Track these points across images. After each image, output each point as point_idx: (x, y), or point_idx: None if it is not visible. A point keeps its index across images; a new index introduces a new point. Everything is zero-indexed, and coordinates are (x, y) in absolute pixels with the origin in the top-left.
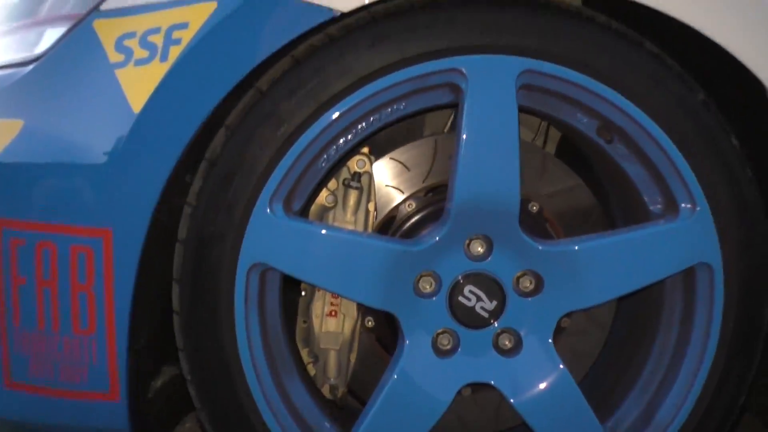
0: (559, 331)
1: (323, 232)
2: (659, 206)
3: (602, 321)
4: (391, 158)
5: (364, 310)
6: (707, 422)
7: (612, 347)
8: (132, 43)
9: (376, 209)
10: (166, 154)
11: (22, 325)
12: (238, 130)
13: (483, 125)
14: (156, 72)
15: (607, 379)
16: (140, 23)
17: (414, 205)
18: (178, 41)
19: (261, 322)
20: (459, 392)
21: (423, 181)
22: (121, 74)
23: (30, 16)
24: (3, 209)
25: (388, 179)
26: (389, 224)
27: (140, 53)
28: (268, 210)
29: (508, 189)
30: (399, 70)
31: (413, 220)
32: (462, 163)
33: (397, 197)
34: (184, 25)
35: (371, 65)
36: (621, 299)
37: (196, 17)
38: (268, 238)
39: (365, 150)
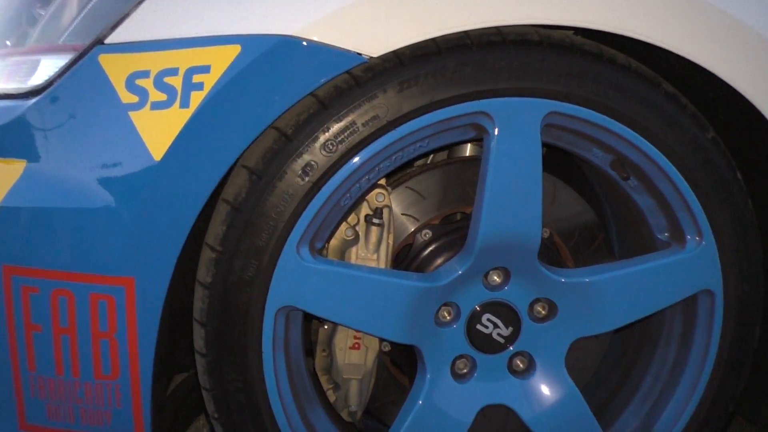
0: None
1: (349, 273)
2: (666, 234)
3: (602, 335)
4: (406, 187)
5: None
6: (702, 431)
7: (611, 360)
8: (146, 84)
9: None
10: (190, 203)
11: (39, 371)
12: (264, 175)
13: (508, 166)
14: (177, 118)
15: (606, 390)
16: (154, 62)
17: (430, 234)
18: (199, 86)
19: (286, 359)
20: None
21: (438, 209)
22: (136, 117)
23: (13, 42)
24: (9, 256)
25: (404, 208)
26: (405, 253)
27: (157, 96)
28: (296, 254)
29: (531, 227)
30: (426, 113)
31: (429, 249)
32: (487, 204)
33: (413, 226)
34: (205, 69)
35: (399, 110)
36: None
37: (219, 61)
38: (295, 282)
39: (382, 182)
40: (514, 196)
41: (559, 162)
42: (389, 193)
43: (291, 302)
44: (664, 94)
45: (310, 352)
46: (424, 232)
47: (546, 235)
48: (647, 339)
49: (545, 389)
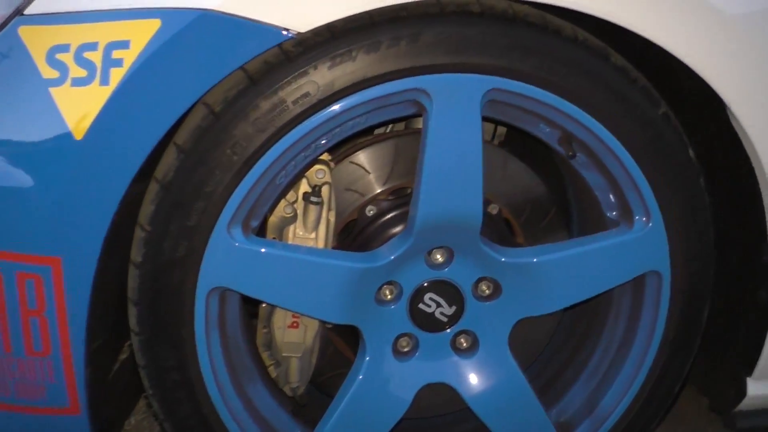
0: None
1: (282, 254)
2: (615, 213)
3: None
4: (351, 162)
5: None
6: (646, 410)
7: (562, 335)
8: (66, 58)
9: (335, 212)
10: (115, 183)
11: None
12: (192, 154)
13: (447, 145)
14: (97, 96)
15: (556, 365)
16: (74, 35)
17: (374, 210)
18: (119, 63)
19: (222, 337)
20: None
21: (384, 184)
22: (57, 93)
23: None
24: None
25: (348, 183)
26: (350, 229)
27: (77, 71)
28: (227, 234)
29: (471, 206)
30: (360, 91)
31: (374, 225)
32: (425, 183)
33: (357, 202)
34: (124, 44)
35: (331, 87)
36: None
37: (138, 36)
38: (227, 262)
39: (324, 157)
40: (453, 175)
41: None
42: (330, 169)
43: (223, 283)
44: (613, 68)
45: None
46: (368, 208)
47: (494, 211)
48: (597, 316)
49: (487, 369)
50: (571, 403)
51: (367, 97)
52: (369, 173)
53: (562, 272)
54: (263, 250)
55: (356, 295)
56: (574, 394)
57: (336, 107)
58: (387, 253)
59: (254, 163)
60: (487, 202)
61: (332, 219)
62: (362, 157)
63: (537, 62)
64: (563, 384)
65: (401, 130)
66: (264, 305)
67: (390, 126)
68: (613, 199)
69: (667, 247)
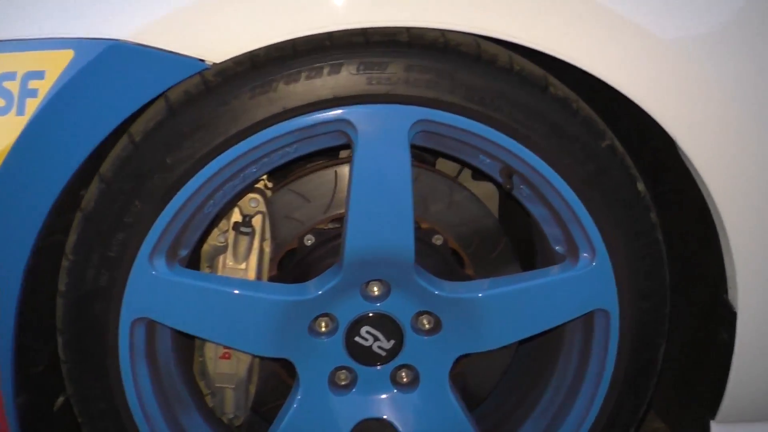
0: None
1: (206, 286)
2: (561, 248)
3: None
4: (289, 189)
5: None
6: None
7: (514, 373)
8: None
9: (273, 244)
10: (32, 214)
11: None
12: (112, 184)
13: (374, 177)
14: (13, 126)
15: (506, 405)
16: None
17: (313, 239)
18: (34, 93)
19: (151, 367)
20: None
21: (324, 213)
22: None
23: None
24: None
25: (288, 211)
26: (290, 258)
27: None
28: (149, 265)
29: (402, 239)
30: (282, 121)
31: (313, 255)
32: (352, 215)
33: (297, 230)
34: (40, 75)
35: (251, 118)
36: None
37: (53, 66)
38: (149, 293)
39: (261, 185)
40: (380, 208)
41: None
42: (266, 198)
43: (146, 314)
44: (551, 99)
45: None
46: (306, 237)
47: (439, 242)
48: (549, 354)
49: (427, 405)
50: None
51: (290, 128)
52: (309, 201)
53: (503, 308)
54: (186, 282)
55: (287, 329)
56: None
57: (257, 138)
58: (317, 286)
59: (174, 194)
60: (431, 233)
61: (267, 249)
62: (302, 185)
63: (468, 93)
64: (513, 423)
65: (342, 158)
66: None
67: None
68: (559, 234)
69: (614, 285)
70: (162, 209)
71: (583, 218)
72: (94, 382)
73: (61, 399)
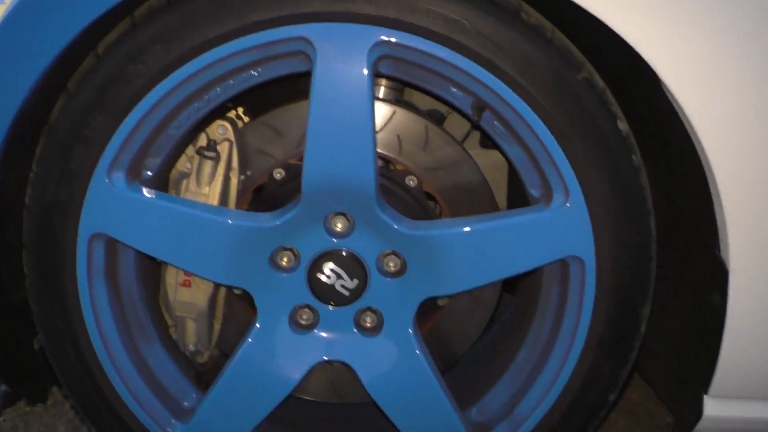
0: (436, 309)
1: (164, 204)
2: (537, 191)
3: (486, 301)
4: (263, 122)
5: None
6: (571, 417)
7: (492, 330)
8: None
9: (244, 176)
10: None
11: None
12: (75, 96)
13: (332, 101)
14: None
15: (482, 362)
16: None
17: (283, 173)
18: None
19: (111, 290)
20: (330, 362)
21: (297, 147)
22: None
23: None
24: None
25: (261, 144)
26: (260, 191)
27: None
28: (107, 180)
29: (362, 169)
30: (239, 37)
31: (283, 189)
32: (311, 140)
33: (268, 164)
34: None
35: (209, 33)
36: (506, 283)
37: None
38: (107, 209)
39: (233, 113)
40: (338, 134)
41: None
42: (235, 129)
43: (103, 230)
44: (523, 26)
45: None
46: (277, 171)
47: (412, 184)
48: (526, 309)
49: (390, 351)
50: (492, 402)
51: (247, 44)
52: (281, 136)
53: (470, 248)
54: (144, 199)
55: (245, 257)
56: (496, 393)
57: (214, 54)
58: (278, 216)
59: (132, 107)
60: (405, 173)
61: (234, 179)
62: (275, 118)
63: (431, 15)
64: (488, 381)
65: None
66: (166, 270)
67: None
68: (536, 177)
69: (590, 232)
70: (120, 122)
71: (556, 156)
72: (53, 299)
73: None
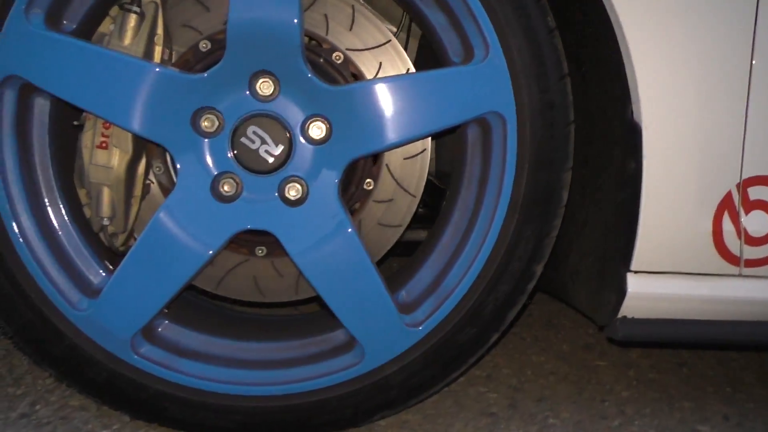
0: (363, 195)
1: (82, 44)
2: (458, 57)
3: (412, 188)
4: None
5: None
6: (497, 288)
7: (420, 217)
8: None
9: (168, 45)
10: None
11: None
12: None
13: None
14: None
15: (412, 248)
16: None
17: (210, 45)
18: None
19: (21, 145)
20: (253, 253)
21: (223, 23)
22: None
23: None
24: None
25: (186, 19)
26: (185, 66)
27: None
28: (24, 18)
29: (286, 14)
30: None
31: (208, 59)
32: None
33: (194, 38)
34: None
35: None
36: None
37: None
38: (22, 48)
39: None
40: None
41: None
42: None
43: (18, 71)
44: None
45: None
46: (203, 42)
47: (339, 60)
48: (452, 185)
49: (315, 219)
50: (419, 283)
51: None
52: (208, 11)
53: (394, 102)
54: (62, 38)
55: (166, 109)
56: (423, 273)
57: None
58: (203, 71)
59: None
60: (331, 50)
61: (158, 43)
62: None
63: None
64: (414, 265)
65: None
66: (78, 126)
67: None
68: (457, 40)
69: (510, 87)
70: None
71: (478, 14)
72: None
73: None
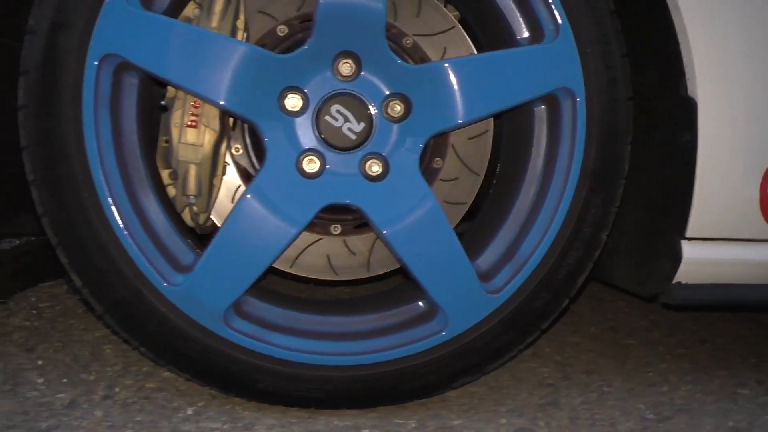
0: (432, 173)
1: (178, 23)
2: (526, 36)
3: (476, 167)
4: None
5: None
6: (568, 255)
7: (486, 192)
8: None
9: (246, 30)
10: None
11: None
12: None
13: None
14: None
15: (481, 222)
16: None
17: (286, 31)
18: None
19: (114, 124)
20: (328, 231)
21: (298, 10)
22: None
23: None
24: None
25: (261, 5)
26: None
27: None
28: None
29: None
30: None
31: (284, 45)
32: None
33: (270, 24)
34: None
35: None
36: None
37: None
38: (121, 27)
39: None
40: None
41: None
42: None
43: (115, 50)
44: None
45: None
46: (280, 28)
47: (409, 44)
48: (518, 159)
49: (399, 194)
50: (493, 252)
51: None
52: None
53: (470, 80)
54: (160, 18)
55: (256, 87)
56: (497, 243)
57: None
58: (289, 52)
59: None
60: (401, 36)
61: (240, 26)
62: None
63: None
64: (487, 235)
65: None
66: (165, 111)
67: None
68: (523, 19)
69: (579, 64)
70: None
71: None
72: (53, 122)
73: None
